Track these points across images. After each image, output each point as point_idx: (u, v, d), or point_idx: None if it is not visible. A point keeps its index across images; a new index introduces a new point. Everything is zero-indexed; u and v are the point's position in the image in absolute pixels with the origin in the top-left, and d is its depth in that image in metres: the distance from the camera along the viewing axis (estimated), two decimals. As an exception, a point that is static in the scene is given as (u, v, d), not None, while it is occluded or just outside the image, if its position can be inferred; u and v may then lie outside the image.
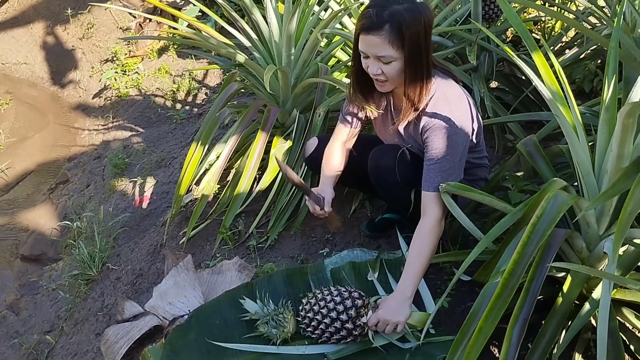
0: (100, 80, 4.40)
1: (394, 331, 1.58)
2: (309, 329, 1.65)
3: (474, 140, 1.76)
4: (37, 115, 4.34)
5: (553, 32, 3.16)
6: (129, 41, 4.47)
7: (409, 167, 1.72)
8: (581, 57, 2.69)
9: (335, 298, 1.63)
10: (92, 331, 2.27)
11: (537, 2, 2.65)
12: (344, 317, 1.59)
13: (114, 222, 2.80)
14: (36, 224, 3.28)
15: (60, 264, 2.82)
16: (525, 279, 1.25)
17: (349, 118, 1.89)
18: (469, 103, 1.69)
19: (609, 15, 2.54)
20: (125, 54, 4.42)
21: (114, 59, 4.43)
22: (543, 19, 3.21)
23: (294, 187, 2.35)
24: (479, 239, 1.70)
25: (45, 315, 2.53)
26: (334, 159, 1.92)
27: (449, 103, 1.62)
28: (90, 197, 3.26)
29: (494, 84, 2.84)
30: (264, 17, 2.49)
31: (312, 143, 2.04)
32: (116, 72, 4.31)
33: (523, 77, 2.73)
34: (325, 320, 1.60)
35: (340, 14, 2.39)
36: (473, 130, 1.72)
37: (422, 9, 1.53)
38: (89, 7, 4.67)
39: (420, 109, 1.64)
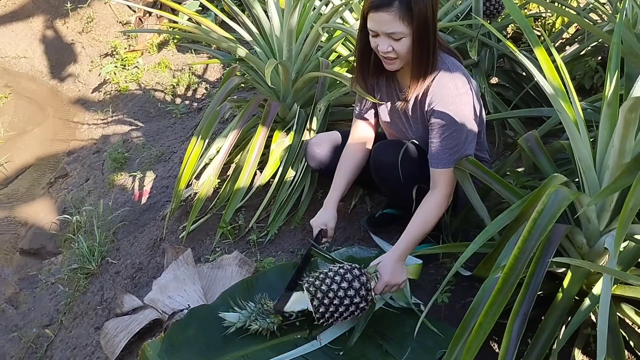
0: (99, 75, 4.39)
1: (399, 289, 1.65)
2: (321, 310, 1.59)
3: (483, 117, 1.76)
4: (37, 109, 4.33)
5: (553, 29, 3.16)
6: (129, 35, 4.45)
7: (412, 163, 1.72)
8: (581, 53, 2.68)
9: (336, 278, 1.59)
10: (92, 325, 2.27)
11: (538, -2, 2.65)
12: (351, 292, 1.57)
13: (114, 216, 2.80)
14: (35, 217, 3.27)
15: (60, 258, 2.82)
16: (526, 274, 1.25)
17: (360, 109, 1.89)
18: (470, 81, 1.69)
19: (610, 11, 2.54)
20: (125, 48, 4.40)
21: (114, 53, 4.41)
22: (543, 15, 3.21)
23: (294, 183, 2.35)
24: (485, 219, 1.70)
25: (45, 309, 2.53)
26: (347, 162, 1.89)
27: (454, 79, 1.62)
28: (90, 191, 3.26)
29: (494, 80, 2.84)
30: (265, 11, 2.49)
31: (316, 143, 2.02)
32: (116, 67, 4.29)
33: (523, 73, 2.73)
34: (334, 302, 1.57)
35: (341, 9, 2.39)
36: (480, 106, 1.73)
37: None
38: (89, 0, 4.65)
39: (426, 86, 1.64)
